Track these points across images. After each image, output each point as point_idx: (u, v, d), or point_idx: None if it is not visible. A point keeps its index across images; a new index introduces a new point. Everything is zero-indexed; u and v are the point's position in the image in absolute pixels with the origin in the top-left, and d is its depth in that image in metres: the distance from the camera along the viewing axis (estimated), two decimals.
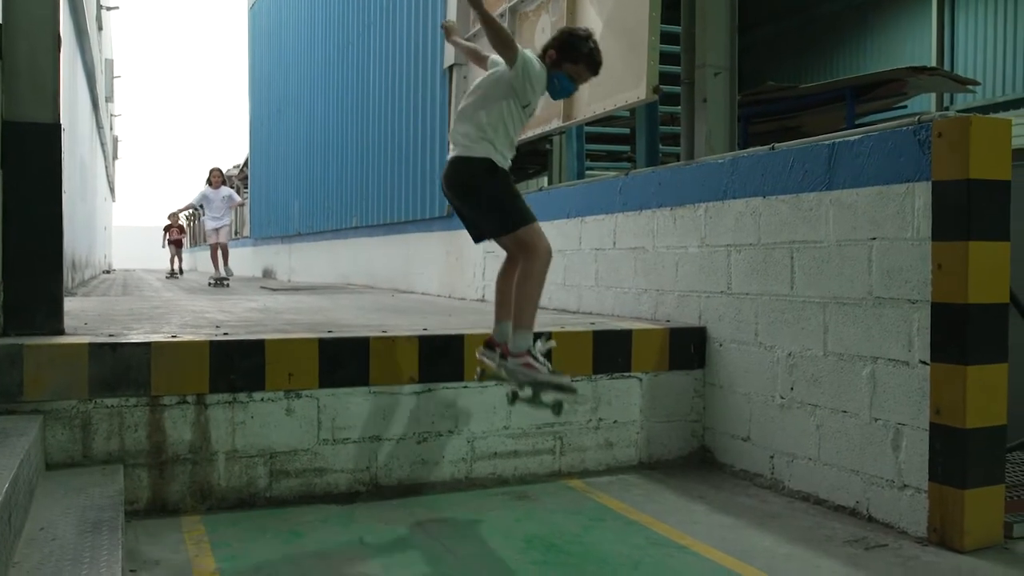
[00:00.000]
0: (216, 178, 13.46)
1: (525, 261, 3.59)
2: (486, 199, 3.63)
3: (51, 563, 2.58)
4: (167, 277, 17.58)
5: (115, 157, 35.17)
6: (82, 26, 13.13)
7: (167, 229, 19.75)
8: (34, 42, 3.97)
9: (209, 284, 13.14)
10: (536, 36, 6.96)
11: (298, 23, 15.93)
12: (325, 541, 3.46)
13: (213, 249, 13.43)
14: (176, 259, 19.32)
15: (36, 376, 3.61)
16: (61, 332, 4.00)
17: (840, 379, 3.92)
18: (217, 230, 13.34)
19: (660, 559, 3.30)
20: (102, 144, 23.50)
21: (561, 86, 3.70)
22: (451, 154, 3.70)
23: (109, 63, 23.64)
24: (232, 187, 16.57)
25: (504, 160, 3.61)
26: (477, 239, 3.92)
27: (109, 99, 24.79)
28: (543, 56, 3.69)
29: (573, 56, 3.65)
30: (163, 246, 20.29)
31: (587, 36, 3.72)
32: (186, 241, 24.54)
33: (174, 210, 18.30)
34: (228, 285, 12.94)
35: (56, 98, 4.04)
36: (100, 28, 18.63)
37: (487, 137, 3.56)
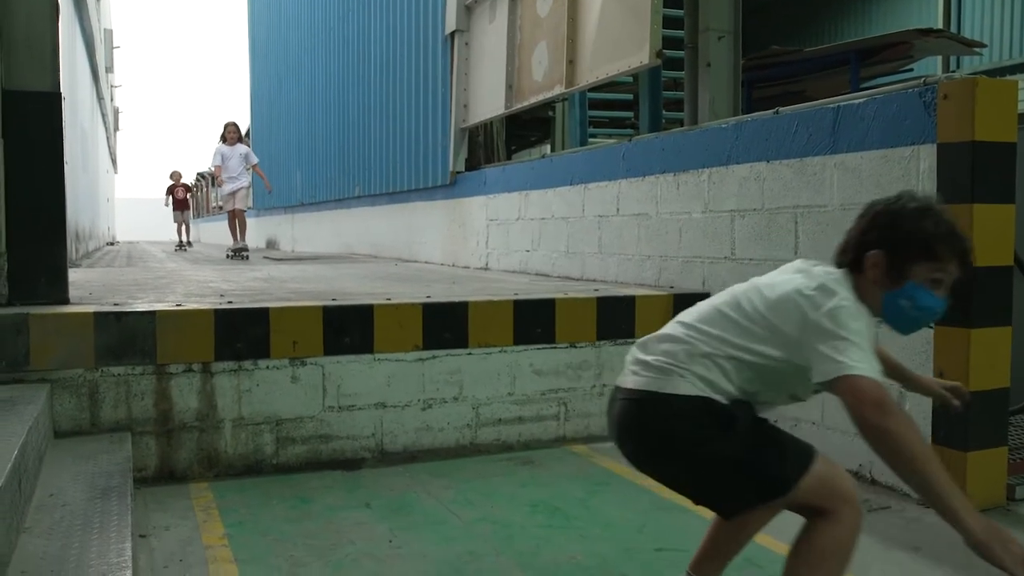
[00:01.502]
0: (232, 133, 11.68)
1: (817, 526, 2.04)
2: (708, 466, 2.08)
3: (62, 528, 2.61)
4: (176, 249, 16.70)
5: (116, 128, 35.02)
6: None
7: (171, 190, 18.73)
8: (32, 9, 3.94)
9: (227, 256, 11.75)
10: (537, 4, 6.87)
11: None
12: (331, 507, 3.49)
13: (231, 216, 11.82)
14: (183, 226, 18.30)
15: (42, 345, 3.63)
16: (66, 301, 4.01)
17: None
18: (233, 194, 11.63)
19: (664, 522, 3.33)
20: (103, 115, 23.39)
21: (920, 308, 2.08)
22: (626, 383, 2.16)
23: (108, 33, 23.48)
24: None
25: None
26: (729, 515, 2.25)
27: (109, 70, 24.65)
28: (854, 260, 2.07)
29: (920, 251, 2.02)
30: (167, 204, 19.00)
31: (925, 206, 2.04)
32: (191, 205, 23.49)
33: (176, 168, 17.54)
34: (247, 257, 11.51)
35: (55, 66, 4.02)
36: None
37: (731, 387, 2.05)
